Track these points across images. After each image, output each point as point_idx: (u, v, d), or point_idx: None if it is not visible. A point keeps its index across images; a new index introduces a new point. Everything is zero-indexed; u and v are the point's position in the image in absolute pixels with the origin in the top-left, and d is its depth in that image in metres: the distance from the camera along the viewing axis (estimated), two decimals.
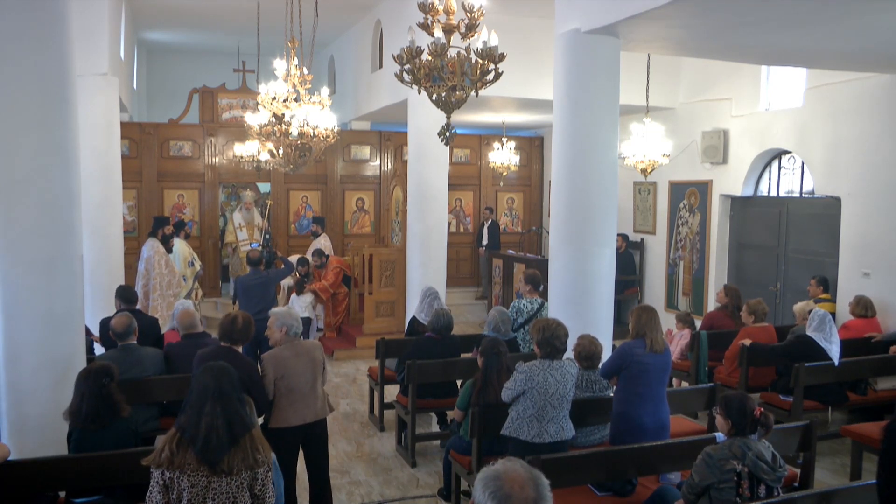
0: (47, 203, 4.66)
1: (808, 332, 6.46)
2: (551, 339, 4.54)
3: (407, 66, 4.12)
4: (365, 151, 13.51)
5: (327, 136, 7.25)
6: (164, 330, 7.17)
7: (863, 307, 7.43)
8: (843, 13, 5.01)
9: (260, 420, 5.05)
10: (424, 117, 8.91)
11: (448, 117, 4.24)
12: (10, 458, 3.96)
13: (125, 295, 6.73)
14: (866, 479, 5.09)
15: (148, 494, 3.18)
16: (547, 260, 7.25)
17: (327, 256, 10.70)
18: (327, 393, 5.22)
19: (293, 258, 10.61)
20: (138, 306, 9.20)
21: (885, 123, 7.68)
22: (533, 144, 14.51)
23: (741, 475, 3.54)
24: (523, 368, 4.53)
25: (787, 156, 9.32)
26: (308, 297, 9.89)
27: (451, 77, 4.04)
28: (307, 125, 7.08)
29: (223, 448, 3.12)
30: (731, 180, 9.88)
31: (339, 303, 10.88)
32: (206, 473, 3.11)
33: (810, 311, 6.64)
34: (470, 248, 14.07)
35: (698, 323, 8.44)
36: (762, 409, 3.68)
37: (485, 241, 13.40)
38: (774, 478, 3.59)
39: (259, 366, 4.87)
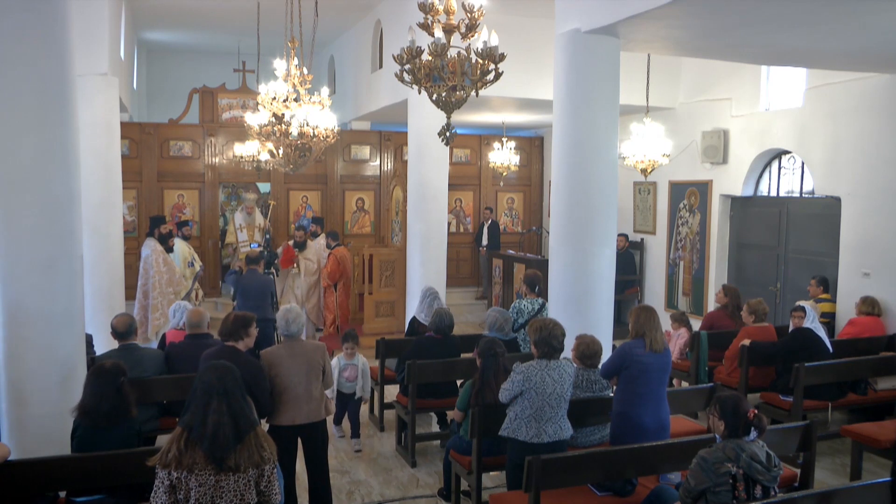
0: (47, 203, 4.66)
1: (807, 325, 6.62)
2: (548, 339, 4.54)
3: (407, 66, 4.12)
4: (365, 151, 13.51)
5: (327, 136, 7.24)
6: (164, 329, 7.17)
7: (869, 305, 7.50)
8: (843, 13, 5.01)
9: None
10: (424, 117, 8.91)
11: (448, 117, 4.23)
12: (10, 457, 3.96)
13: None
14: (866, 479, 5.10)
15: (153, 495, 3.16)
16: (547, 260, 7.24)
17: (338, 243, 10.76)
18: (328, 397, 5.18)
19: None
20: (137, 306, 9.28)
21: (885, 123, 7.67)
22: (533, 144, 14.51)
23: (736, 477, 3.52)
24: (521, 369, 4.52)
25: (787, 156, 9.32)
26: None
27: (452, 77, 4.03)
28: (307, 125, 7.07)
29: (230, 445, 3.12)
30: (731, 180, 9.88)
31: (329, 296, 10.89)
32: (214, 472, 3.10)
33: (792, 311, 6.80)
34: (470, 248, 14.07)
35: (694, 321, 8.44)
36: (756, 411, 3.65)
37: (485, 241, 13.40)
38: (769, 478, 3.57)
39: None
